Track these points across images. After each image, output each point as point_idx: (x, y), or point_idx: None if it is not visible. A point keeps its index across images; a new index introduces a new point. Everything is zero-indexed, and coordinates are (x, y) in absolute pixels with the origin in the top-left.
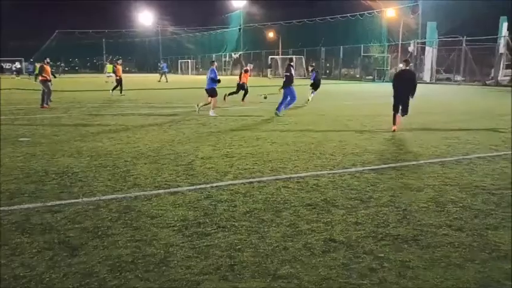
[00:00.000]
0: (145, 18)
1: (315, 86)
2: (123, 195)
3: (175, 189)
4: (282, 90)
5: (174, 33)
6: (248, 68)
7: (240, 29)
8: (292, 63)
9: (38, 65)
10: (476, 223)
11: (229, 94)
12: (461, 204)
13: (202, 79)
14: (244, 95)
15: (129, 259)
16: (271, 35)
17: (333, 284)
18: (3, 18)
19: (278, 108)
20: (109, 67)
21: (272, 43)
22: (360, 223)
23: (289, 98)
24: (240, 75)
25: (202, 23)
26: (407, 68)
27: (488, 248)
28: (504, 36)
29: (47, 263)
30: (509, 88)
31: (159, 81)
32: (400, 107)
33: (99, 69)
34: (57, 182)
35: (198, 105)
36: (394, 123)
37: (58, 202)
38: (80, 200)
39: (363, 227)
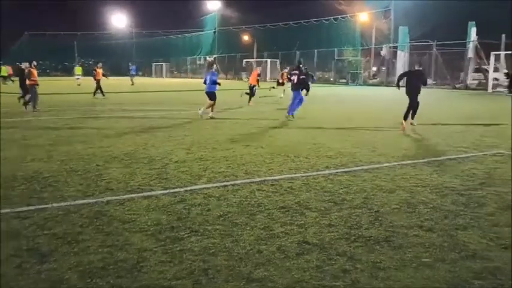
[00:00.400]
0: (118, 21)
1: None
2: (94, 200)
3: (149, 193)
4: (292, 93)
5: (148, 36)
6: (258, 69)
7: (214, 32)
8: (301, 65)
9: (3, 68)
10: (446, 223)
11: (249, 99)
12: (431, 205)
13: (177, 82)
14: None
15: (101, 265)
16: (246, 38)
17: (307, 286)
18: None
19: (290, 112)
20: (77, 69)
21: (247, 46)
22: (333, 225)
23: (297, 100)
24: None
25: (176, 25)
26: (420, 68)
27: (458, 248)
28: (473, 41)
29: (15, 270)
30: (478, 91)
31: (132, 84)
32: (411, 110)
33: (71, 72)
34: (26, 187)
35: (200, 109)
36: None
37: (27, 208)
38: (49, 205)
39: (336, 229)
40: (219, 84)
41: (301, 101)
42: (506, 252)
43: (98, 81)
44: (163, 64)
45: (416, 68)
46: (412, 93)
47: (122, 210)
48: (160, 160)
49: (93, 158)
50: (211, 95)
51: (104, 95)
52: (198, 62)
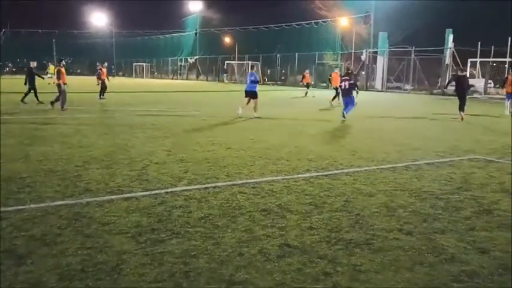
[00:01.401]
0: (98, 20)
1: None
2: (73, 201)
3: (129, 195)
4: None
5: (128, 36)
6: (337, 72)
7: (196, 34)
8: (349, 71)
9: None
10: (424, 227)
11: (333, 99)
12: (410, 209)
13: (158, 83)
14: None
15: (79, 267)
16: (227, 40)
17: None
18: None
19: (343, 116)
20: (51, 68)
21: (228, 48)
22: (314, 228)
23: (350, 104)
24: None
25: (157, 26)
26: (464, 74)
27: (436, 251)
28: (450, 48)
29: None
30: (455, 97)
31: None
32: (459, 104)
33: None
34: (2, 188)
35: (239, 109)
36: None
37: (3, 209)
38: (27, 206)
39: (317, 231)
40: (258, 82)
41: (353, 104)
42: (483, 256)
43: (103, 82)
44: (144, 64)
45: (459, 73)
46: (460, 92)
47: (102, 211)
48: (140, 161)
49: (72, 158)
50: (252, 94)
51: (101, 97)
52: (179, 63)
